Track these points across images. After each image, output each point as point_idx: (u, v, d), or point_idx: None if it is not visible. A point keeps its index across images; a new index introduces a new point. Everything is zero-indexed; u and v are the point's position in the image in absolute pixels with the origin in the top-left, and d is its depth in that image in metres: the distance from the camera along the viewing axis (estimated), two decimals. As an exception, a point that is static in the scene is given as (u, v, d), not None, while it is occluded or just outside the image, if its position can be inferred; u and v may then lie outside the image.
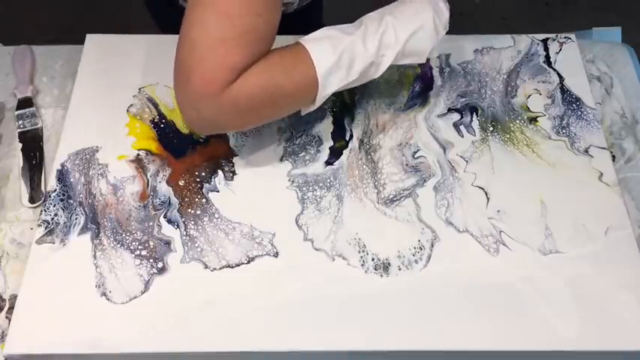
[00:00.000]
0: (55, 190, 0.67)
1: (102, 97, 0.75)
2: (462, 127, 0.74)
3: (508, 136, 0.73)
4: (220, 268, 0.63)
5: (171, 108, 0.74)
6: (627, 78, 0.81)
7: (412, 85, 0.78)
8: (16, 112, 0.75)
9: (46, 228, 0.65)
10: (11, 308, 0.61)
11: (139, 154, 0.70)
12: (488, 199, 0.68)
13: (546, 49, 0.81)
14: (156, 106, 0.74)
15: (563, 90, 0.77)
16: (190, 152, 0.71)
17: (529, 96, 0.77)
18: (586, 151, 0.72)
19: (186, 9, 0.56)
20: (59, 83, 0.79)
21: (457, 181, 0.69)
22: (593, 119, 0.75)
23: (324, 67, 0.60)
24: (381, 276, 0.63)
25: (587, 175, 0.70)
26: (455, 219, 0.66)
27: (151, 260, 0.63)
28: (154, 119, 0.73)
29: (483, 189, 0.69)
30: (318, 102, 0.63)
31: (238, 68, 0.56)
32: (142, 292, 0.61)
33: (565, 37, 0.82)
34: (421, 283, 0.62)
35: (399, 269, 0.63)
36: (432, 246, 0.65)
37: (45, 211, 0.66)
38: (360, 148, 0.72)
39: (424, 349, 0.59)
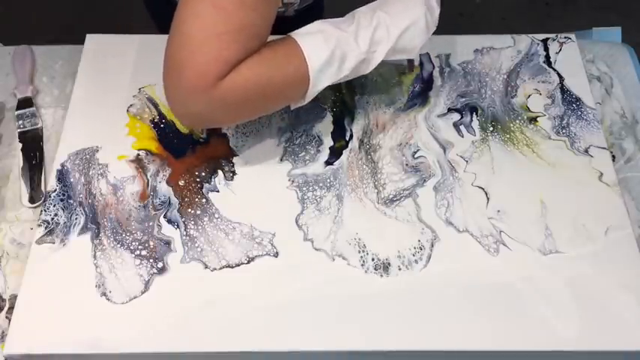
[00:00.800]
0: (55, 190, 0.67)
1: (102, 97, 0.75)
2: (462, 127, 0.74)
3: (508, 136, 0.73)
4: (220, 268, 0.63)
5: (171, 108, 0.74)
6: (627, 78, 0.81)
7: (412, 85, 0.78)
8: (16, 112, 0.75)
9: (46, 228, 0.65)
10: (11, 308, 0.61)
11: (139, 154, 0.70)
12: (488, 199, 0.68)
13: (546, 49, 0.81)
14: (156, 106, 0.74)
15: (563, 90, 0.77)
16: (190, 152, 0.71)
17: (529, 96, 0.77)
18: (586, 151, 0.72)
19: (179, 4, 0.56)
20: (59, 83, 0.79)
21: (457, 181, 0.69)
22: (593, 119, 0.75)
23: (316, 63, 0.60)
24: (381, 276, 0.63)
25: (587, 175, 0.70)
26: (455, 219, 0.66)
27: (151, 260, 0.63)
28: (154, 119, 0.73)
29: (483, 189, 0.69)
30: (309, 98, 0.63)
31: (232, 62, 0.56)
32: (142, 292, 0.61)
33: (565, 37, 0.82)
34: (421, 283, 0.62)
35: (399, 269, 0.63)
36: (432, 246, 0.65)
37: (45, 211, 0.66)
38: (360, 148, 0.72)
39: (424, 349, 0.59)
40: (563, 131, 0.74)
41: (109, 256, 0.63)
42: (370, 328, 0.60)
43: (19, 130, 0.73)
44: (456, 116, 0.75)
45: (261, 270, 0.63)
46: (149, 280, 0.62)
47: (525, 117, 0.75)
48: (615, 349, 0.60)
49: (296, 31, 0.62)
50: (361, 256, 0.64)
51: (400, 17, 0.63)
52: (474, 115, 0.75)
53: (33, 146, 0.72)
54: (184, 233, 0.65)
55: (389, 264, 0.63)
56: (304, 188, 0.68)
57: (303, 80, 0.61)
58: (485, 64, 0.80)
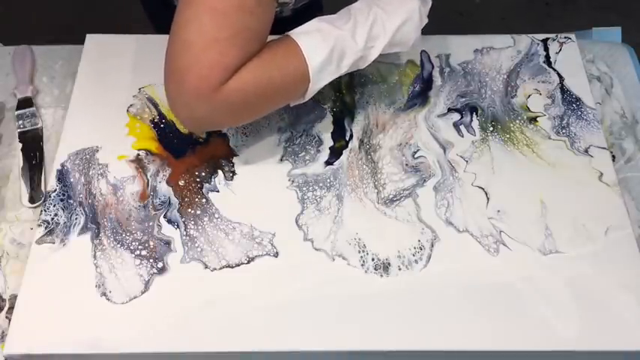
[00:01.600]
0: (55, 190, 0.67)
1: (102, 97, 0.75)
2: (462, 127, 0.74)
3: (508, 136, 0.73)
4: (220, 268, 0.63)
5: (171, 108, 0.74)
6: (627, 78, 0.81)
7: (412, 85, 0.78)
8: (16, 112, 0.75)
9: (46, 228, 0.65)
10: (11, 308, 0.61)
11: (139, 154, 0.70)
12: (488, 199, 0.68)
13: (546, 49, 0.81)
14: (156, 106, 0.74)
15: (563, 90, 0.77)
16: (190, 152, 0.71)
17: (529, 96, 0.77)
18: (586, 151, 0.72)
19: (177, 9, 0.56)
20: (59, 83, 0.79)
21: (457, 181, 0.69)
22: (593, 119, 0.75)
23: (315, 62, 0.60)
24: (381, 276, 0.63)
25: (587, 175, 0.70)
26: (455, 219, 0.66)
27: (151, 260, 0.63)
28: (154, 119, 0.73)
29: (483, 189, 0.69)
30: (309, 95, 0.64)
31: (232, 68, 0.56)
32: (142, 292, 0.61)
33: (565, 37, 0.82)
34: (421, 283, 0.62)
35: (399, 269, 0.63)
36: (432, 246, 0.65)
37: (45, 211, 0.66)
38: (360, 148, 0.72)
39: (424, 349, 0.59)
40: (563, 131, 0.74)
41: (109, 256, 0.63)
42: (370, 328, 0.60)
43: (19, 130, 0.73)
44: (456, 116, 0.75)
45: (261, 270, 0.63)
46: (149, 280, 0.62)
47: (525, 117, 0.75)
48: (615, 349, 0.60)
49: (293, 31, 0.62)
50: (361, 256, 0.64)
51: (395, 12, 0.64)
52: (474, 115, 0.75)
53: (33, 146, 0.72)
54: (184, 233, 0.65)
55: (389, 264, 0.63)
56: (304, 188, 0.68)
57: (304, 79, 0.61)
58: (485, 64, 0.80)
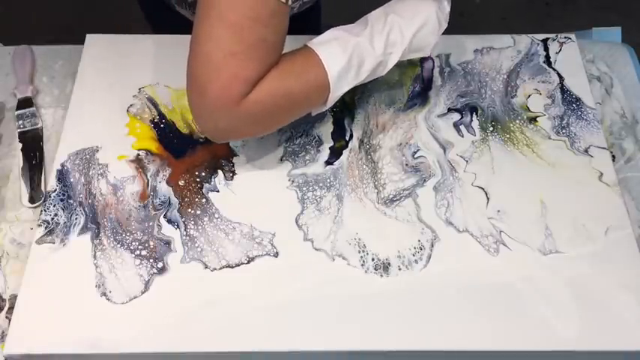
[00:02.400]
0: (55, 190, 0.67)
1: (102, 97, 0.75)
2: (462, 127, 0.74)
3: (508, 136, 0.73)
4: (220, 268, 0.63)
5: (170, 108, 0.74)
6: (627, 78, 0.81)
7: (412, 85, 0.78)
8: (16, 112, 0.75)
9: (46, 228, 0.65)
10: (11, 308, 0.61)
11: (139, 154, 0.70)
12: (488, 199, 0.68)
13: (546, 49, 0.81)
14: (156, 106, 0.74)
15: (563, 90, 0.77)
16: (190, 152, 0.71)
17: (529, 96, 0.77)
18: (586, 151, 0.72)
19: (195, 22, 0.57)
20: (59, 83, 0.79)
21: (457, 181, 0.69)
22: (593, 119, 0.75)
23: (335, 70, 0.61)
24: (381, 276, 0.63)
25: (587, 175, 0.70)
26: (455, 219, 0.66)
27: (151, 260, 0.63)
28: (154, 119, 0.73)
29: (483, 189, 0.69)
30: (330, 103, 0.64)
31: (252, 80, 0.57)
32: (142, 292, 0.61)
33: (565, 37, 0.82)
34: (421, 283, 0.62)
35: (399, 269, 0.63)
36: (432, 246, 0.65)
37: (45, 211, 0.66)
38: (360, 148, 0.72)
39: (424, 349, 0.59)
40: (563, 131, 0.74)
41: (109, 256, 0.63)
42: (370, 328, 0.60)
43: (19, 130, 0.73)
44: (456, 116, 0.75)
45: (261, 270, 0.63)
46: (149, 280, 0.62)
47: (525, 117, 0.75)
48: (615, 349, 0.60)
49: (311, 41, 0.63)
50: (361, 256, 0.64)
51: (412, 18, 0.64)
52: (474, 115, 0.75)
53: (33, 146, 0.72)
54: (184, 233, 0.65)
55: (389, 264, 0.63)
56: (304, 188, 0.68)
57: (324, 88, 0.62)
58: (485, 64, 0.80)
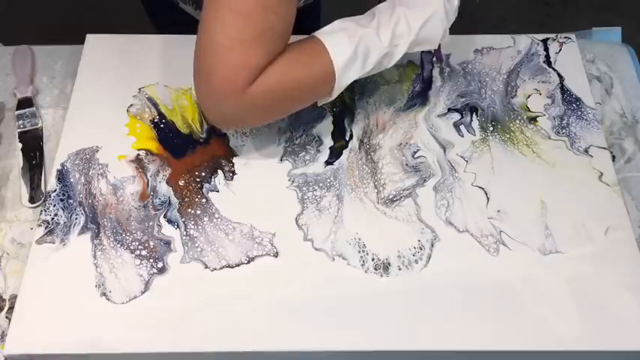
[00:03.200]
0: (55, 190, 0.67)
1: (102, 97, 0.75)
2: (462, 127, 0.74)
3: (508, 136, 0.73)
4: (220, 268, 0.63)
5: (171, 108, 0.74)
6: (627, 78, 0.81)
7: (412, 85, 0.78)
8: (16, 112, 0.75)
9: (46, 228, 0.65)
10: (11, 308, 0.61)
11: (139, 154, 0.70)
12: (488, 199, 0.68)
13: (546, 49, 0.81)
14: (156, 106, 0.74)
15: (563, 90, 0.77)
16: (190, 152, 0.71)
17: (529, 96, 0.77)
18: (586, 151, 0.72)
19: (203, 11, 0.57)
20: (59, 83, 0.79)
21: (457, 181, 0.69)
22: (593, 119, 0.75)
23: (341, 60, 0.61)
24: (381, 276, 0.63)
25: (587, 175, 0.70)
26: (455, 219, 0.66)
27: (151, 260, 0.63)
28: (154, 119, 0.73)
29: (483, 189, 0.69)
30: (335, 94, 0.64)
31: (258, 67, 0.57)
32: (142, 292, 0.61)
33: (565, 37, 0.82)
34: (421, 283, 0.62)
35: (399, 269, 0.63)
36: (432, 246, 0.65)
37: (45, 211, 0.66)
38: (360, 148, 0.72)
39: (424, 349, 0.59)
40: (563, 131, 0.74)
41: (109, 256, 0.63)
42: (370, 328, 0.60)
43: (19, 130, 0.73)
44: (456, 116, 0.75)
45: (261, 270, 0.63)
46: (149, 280, 0.62)
47: (525, 117, 0.75)
48: (615, 349, 0.60)
49: (318, 31, 0.63)
50: (361, 256, 0.64)
51: (420, 10, 0.65)
52: (474, 115, 0.75)
53: (33, 146, 0.72)
54: (184, 233, 0.65)
55: (389, 264, 0.63)
56: (304, 188, 0.68)
57: (329, 77, 0.62)
58: (485, 64, 0.80)
